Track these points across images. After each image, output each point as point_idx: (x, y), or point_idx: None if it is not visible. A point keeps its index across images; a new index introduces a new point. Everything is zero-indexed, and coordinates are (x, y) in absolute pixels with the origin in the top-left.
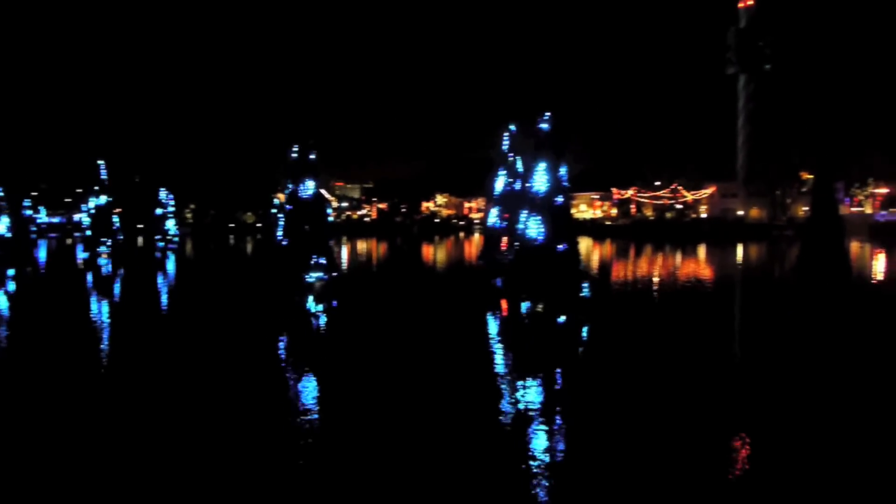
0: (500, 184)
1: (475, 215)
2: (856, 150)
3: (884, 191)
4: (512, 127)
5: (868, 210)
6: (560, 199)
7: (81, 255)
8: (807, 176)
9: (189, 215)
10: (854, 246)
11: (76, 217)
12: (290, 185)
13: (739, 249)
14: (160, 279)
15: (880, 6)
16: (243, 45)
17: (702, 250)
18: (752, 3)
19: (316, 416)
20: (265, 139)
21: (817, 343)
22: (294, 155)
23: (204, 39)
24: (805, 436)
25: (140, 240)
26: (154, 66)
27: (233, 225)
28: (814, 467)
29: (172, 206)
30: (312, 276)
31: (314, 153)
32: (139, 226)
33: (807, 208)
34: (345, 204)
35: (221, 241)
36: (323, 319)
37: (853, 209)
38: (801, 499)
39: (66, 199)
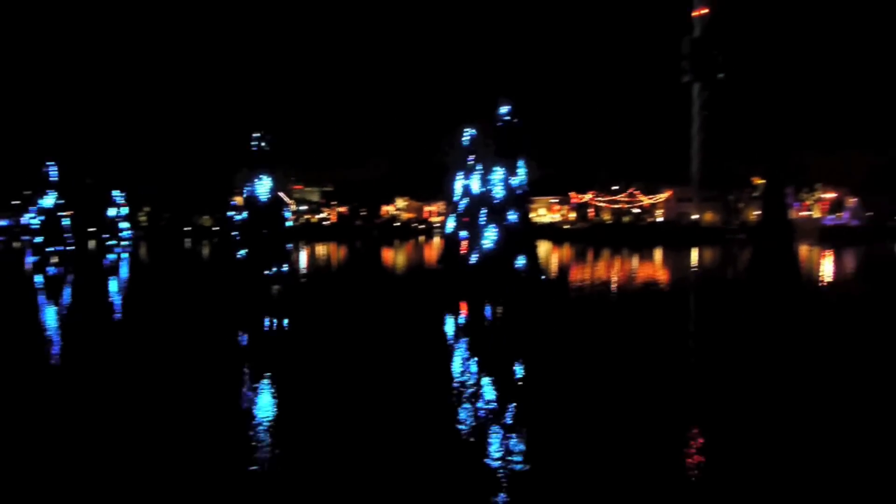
0: (458, 187)
1: (435, 219)
2: (805, 156)
3: (831, 195)
4: (472, 130)
5: (816, 214)
6: (515, 213)
7: (30, 258)
8: (758, 181)
9: (143, 218)
10: (804, 249)
11: (24, 219)
12: (248, 187)
13: (694, 253)
14: (111, 284)
15: (831, 18)
16: (200, 46)
17: (658, 254)
18: (706, 11)
19: (272, 424)
20: (222, 141)
21: (769, 341)
22: (253, 146)
23: (158, 39)
24: (757, 433)
25: (92, 243)
26: (106, 65)
27: (189, 228)
28: (768, 466)
29: (125, 208)
30: (271, 283)
31: (271, 145)
32: (91, 229)
33: (758, 212)
34: (304, 207)
35: (177, 245)
36: (282, 324)
37: (802, 213)
38: (752, 496)
39: (14, 202)
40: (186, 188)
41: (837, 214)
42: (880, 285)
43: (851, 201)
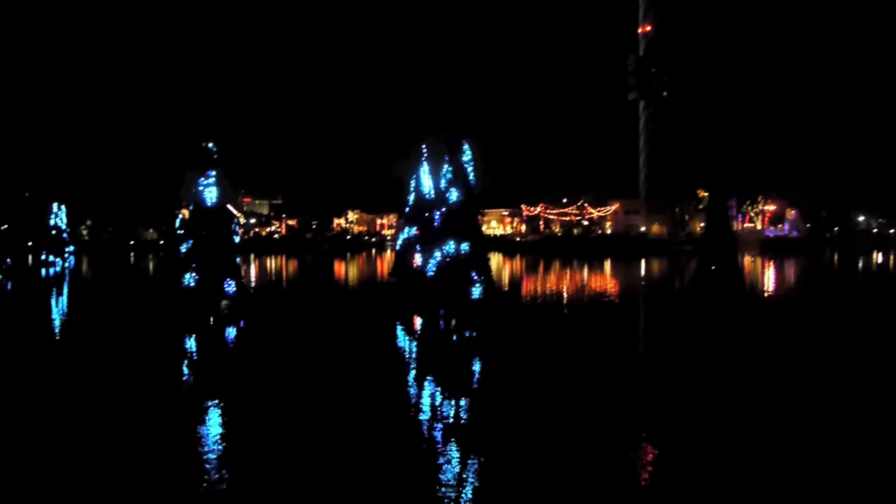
0: (410, 200)
1: (387, 232)
2: (747, 169)
3: (772, 208)
4: (422, 145)
5: (758, 226)
6: (466, 225)
7: None
8: (703, 193)
9: (85, 232)
10: (747, 260)
11: None
12: (194, 197)
13: (642, 264)
14: (51, 300)
15: (772, 33)
16: (145, 56)
17: (608, 265)
18: (649, 29)
19: (217, 454)
20: (167, 153)
21: (715, 350)
22: (202, 152)
23: (99, 47)
24: (705, 442)
25: (30, 258)
26: (44, 73)
27: (133, 242)
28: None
29: (66, 222)
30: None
31: (219, 152)
32: (29, 243)
33: (703, 224)
34: (253, 220)
35: (121, 259)
36: (230, 342)
37: (745, 225)
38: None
39: None
40: (130, 201)
41: (778, 226)
42: (816, 293)
43: (791, 213)
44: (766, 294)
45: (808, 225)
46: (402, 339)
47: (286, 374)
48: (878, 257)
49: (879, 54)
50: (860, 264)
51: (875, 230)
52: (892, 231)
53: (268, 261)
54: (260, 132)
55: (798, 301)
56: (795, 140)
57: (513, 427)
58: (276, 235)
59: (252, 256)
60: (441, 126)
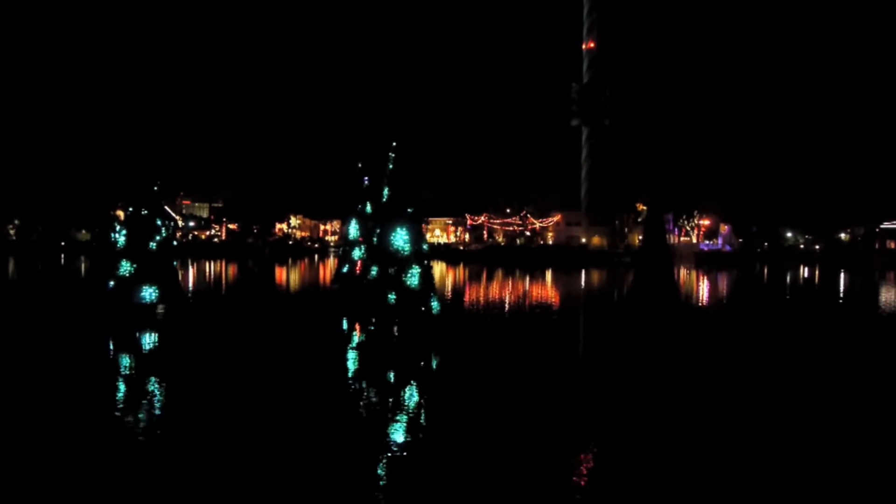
0: (356, 207)
1: (331, 238)
2: (684, 184)
3: (706, 222)
4: (368, 152)
5: (694, 240)
6: (408, 232)
7: None
8: (642, 207)
9: (13, 231)
10: (682, 272)
11: None
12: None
13: (582, 274)
14: None
15: (711, 53)
16: (79, 48)
17: (549, 275)
18: (593, 45)
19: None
20: (102, 151)
21: (651, 359)
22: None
23: (30, 37)
24: (652, 448)
25: None
26: None
27: (63, 243)
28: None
29: None
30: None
31: (159, 153)
32: None
33: (642, 237)
34: (192, 223)
35: (50, 261)
36: (162, 346)
37: (681, 239)
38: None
39: None
40: (61, 200)
41: (712, 241)
42: (746, 305)
43: (725, 228)
44: (700, 306)
45: (740, 240)
46: (345, 348)
47: (225, 390)
48: (805, 272)
49: (812, 78)
50: (788, 279)
51: (802, 246)
52: (817, 247)
53: (206, 265)
54: (202, 132)
55: (730, 313)
56: (730, 157)
57: (450, 440)
58: (215, 239)
59: (190, 261)
60: (379, 136)
